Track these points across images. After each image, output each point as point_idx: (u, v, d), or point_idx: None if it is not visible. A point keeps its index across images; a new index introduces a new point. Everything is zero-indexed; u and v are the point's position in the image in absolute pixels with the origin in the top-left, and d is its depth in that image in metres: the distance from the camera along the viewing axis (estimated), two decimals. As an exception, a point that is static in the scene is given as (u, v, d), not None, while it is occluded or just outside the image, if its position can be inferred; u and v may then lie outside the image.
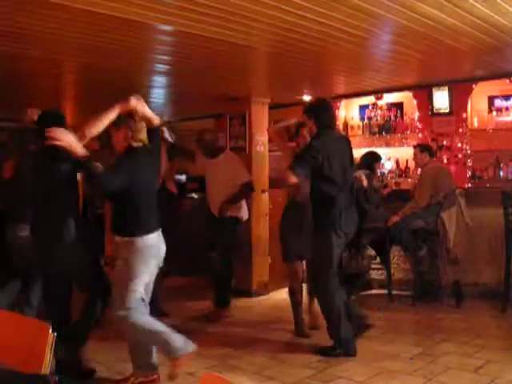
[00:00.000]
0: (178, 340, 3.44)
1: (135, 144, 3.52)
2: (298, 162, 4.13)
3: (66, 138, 3.14)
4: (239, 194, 5.58)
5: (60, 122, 3.76)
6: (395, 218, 5.73)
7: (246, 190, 5.69)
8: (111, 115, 3.42)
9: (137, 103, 3.46)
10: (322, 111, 4.32)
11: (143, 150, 3.54)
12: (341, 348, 4.19)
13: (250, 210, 6.33)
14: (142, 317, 3.46)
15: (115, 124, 3.51)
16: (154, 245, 3.49)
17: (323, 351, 4.24)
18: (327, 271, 4.18)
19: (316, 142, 4.20)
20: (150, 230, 3.47)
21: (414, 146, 6.12)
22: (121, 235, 3.51)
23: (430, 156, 5.92)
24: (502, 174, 6.53)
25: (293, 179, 4.08)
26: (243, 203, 5.77)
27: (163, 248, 3.59)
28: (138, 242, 3.43)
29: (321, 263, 4.22)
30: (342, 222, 4.18)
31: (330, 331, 4.27)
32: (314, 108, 4.39)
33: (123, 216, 3.51)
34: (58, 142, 3.11)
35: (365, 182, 4.60)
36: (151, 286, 3.64)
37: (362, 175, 4.60)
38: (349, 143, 4.55)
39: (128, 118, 3.50)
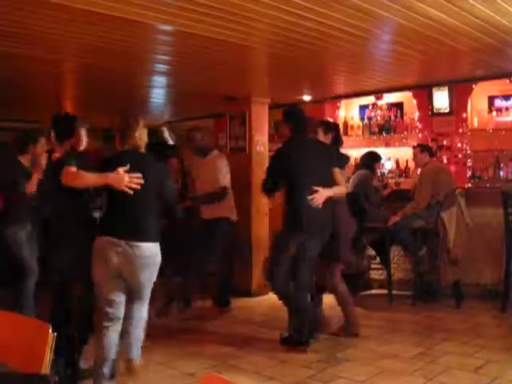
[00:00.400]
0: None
1: (126, 148, 3.42)
2: (266, 178, 4.48)
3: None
4: (204, 198, 5.49)
5: (73, 124, 3.87)
6: (395, 218, 5.73)
7: (214, 196, 5.45)
8: (99, 180, 3.32)
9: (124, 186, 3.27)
10: (298, 118, 4.53)
11: (133, 156, 3.41)
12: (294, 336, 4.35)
13: (249, 210, 6.33)
14: (104, 329, 3.35)
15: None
16: (100, 248, 3.28)
17: (283, 340, 4.42)
18: (276, 263, 4.33)
19: (281, 150, 4.46)
20: (105, 233, 3.29)
21: (414, 147, 6.12)
22: None
23: (430, 156, 5.92)
24: (502, 173, 6.53)
25: (265, 198, 4.64)
26: (230, 203, 5.62)
27: (116, 258, 3.24)
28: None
29: (274, 253, 4.42)
30: (304, 220, 4.26)
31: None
32: (291, 114, 4.59)
33: None
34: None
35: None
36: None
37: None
38: (325, 147, 4.61)
39: (123, 124, 3.46)
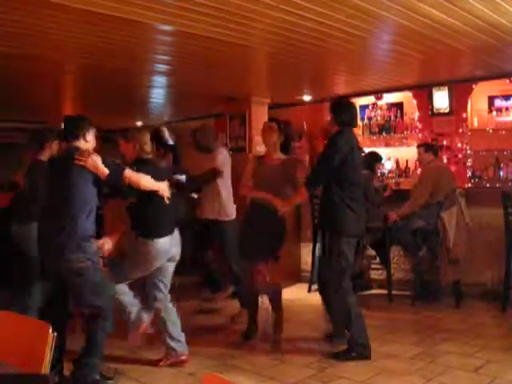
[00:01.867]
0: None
1: (145, 156, 3.81)
2: (320, 170, 4.30)
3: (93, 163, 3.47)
4: (198, 178, 5.35)
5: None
6: (393, 216, 5.70)
7: (206, 176, 5.31)
8: (154, 187, 3.67)
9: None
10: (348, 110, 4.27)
11: (152, 162, 3.87)
12: (354, 351, 4.10)
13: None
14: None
15: (124, 137, 3.85)
16: (166, 249, 3.86)
17: (336, 356, 4.12)
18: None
19: (339, 138, 4.15)
20: (159, 235, 3.77)
21: (418, 146, 6.08)
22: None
23: (434, 155, 5.91)
24: (502, 173, 6.53)
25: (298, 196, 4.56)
26: (225, 203, 5.42)
27: (174, 247, 3.94)
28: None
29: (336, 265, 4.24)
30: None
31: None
32: (341, 106, 4.28)
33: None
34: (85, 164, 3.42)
35: None
36: None
37: None
38: None
39: (136, 132, 3.87)
